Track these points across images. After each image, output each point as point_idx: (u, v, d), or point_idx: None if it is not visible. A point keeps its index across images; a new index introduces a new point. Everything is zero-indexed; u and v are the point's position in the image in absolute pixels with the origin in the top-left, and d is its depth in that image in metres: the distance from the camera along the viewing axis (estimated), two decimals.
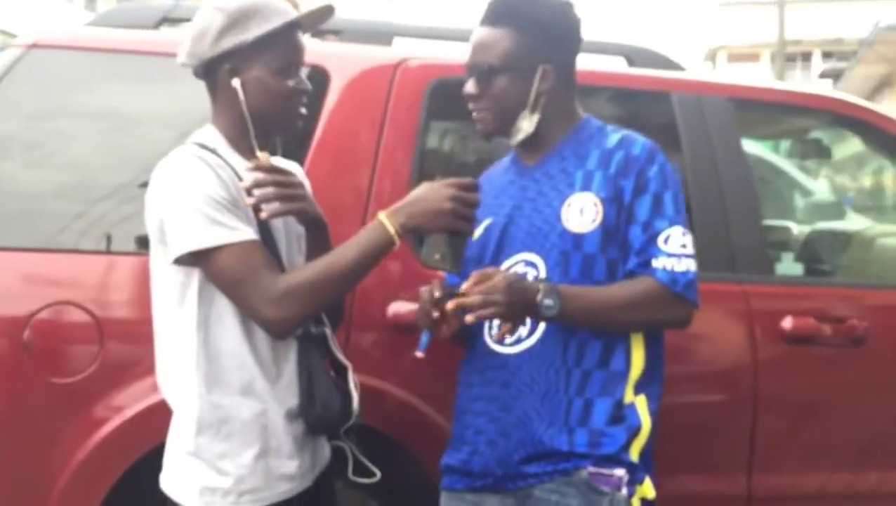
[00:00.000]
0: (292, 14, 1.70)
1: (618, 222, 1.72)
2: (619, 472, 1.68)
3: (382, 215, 1.63)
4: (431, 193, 1.64)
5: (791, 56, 26.62)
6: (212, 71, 1.70)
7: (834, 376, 2.51)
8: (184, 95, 2.05)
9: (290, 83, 1.71)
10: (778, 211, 4.13)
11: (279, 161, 1.79)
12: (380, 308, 2.20)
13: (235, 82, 1.67)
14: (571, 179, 1.76)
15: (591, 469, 1.68)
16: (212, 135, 1.72)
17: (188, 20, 1.94)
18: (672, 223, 1.72)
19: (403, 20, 2.65)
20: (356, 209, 2.24)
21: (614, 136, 1.79)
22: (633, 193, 1.72)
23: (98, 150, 2.22)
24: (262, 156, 1.66)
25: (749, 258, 2.47)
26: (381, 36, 2.53)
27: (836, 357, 2.50)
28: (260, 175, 1.63)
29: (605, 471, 1.68)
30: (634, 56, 2.68)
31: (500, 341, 1.76)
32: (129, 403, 2.06)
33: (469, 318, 1.62)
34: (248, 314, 1.61)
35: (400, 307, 2.18)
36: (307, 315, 1.63)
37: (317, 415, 1.69)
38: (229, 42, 1.66)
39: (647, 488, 1.71)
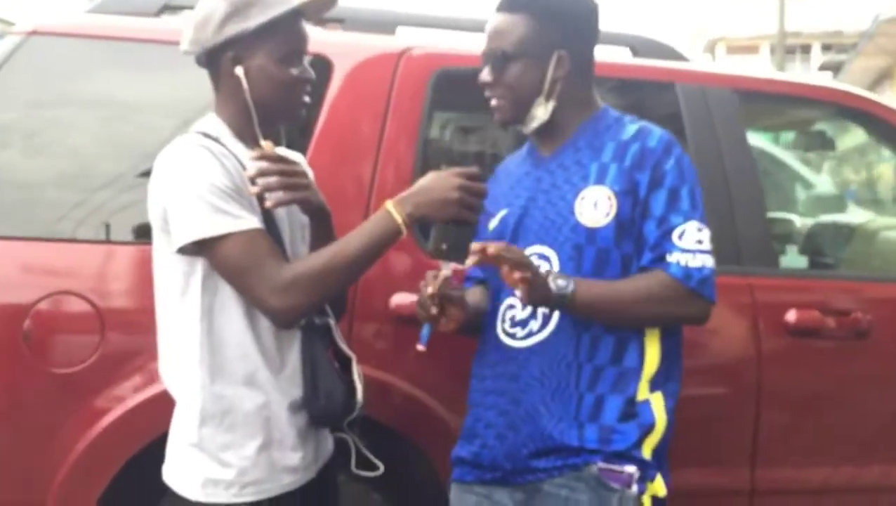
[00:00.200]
0: (295, 1, 1.68)
1: (633, 216, 1.69)
2: (630, 469, 1.66)
3: (389, 204, 1.62)
4: (438, 182, 1.63)
5: (790, 48, 26.59)
6: (215, 59, 1.68)
7: (838, 369, 2.51)
8: (185, 84, 2.04)
9: (294, 71, 1.69)
10: (781, 203, 4.12)
11: (283, 151, 1.77)
12: (382, 299, 2.18)
13: (238, 70, 1.66)
14: (586, 171, 1.73)
15: (602, 465, 1.66)
16: (215, 124, 1.70)
17: (189, 8, 1.92)
18: (687, 218, 1.68)
19: (407, 9, 2.62)
20: (359, 200, 2.22)
21: (631, 127, 1.76)
22: (649, 186, 1.69)
23: (98, 138, 2.20)
24: (266, 145, 1.65)
25: (754, 251, 2.46)
26: (385, 25, 2.51)
27: (839, 350, 2.49)
28: (264, 164, 1.61)
29: (616, 467, 1.66)
30: (639, 46, 2.67)
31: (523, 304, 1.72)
32: (130, 393, 2.05)
33: (504, 270, 1.58)
34: (254, 303, 1.60)
35: (403, 298, 2.16)
36: (313, 304, 1.62)
37: (320, 407, 1.68)
38: (232, 30, 1.64)
39: (659, 486, 1.69)
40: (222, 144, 1.64)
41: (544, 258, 1.73)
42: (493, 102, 1.80)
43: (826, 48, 29.59)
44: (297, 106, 1.73)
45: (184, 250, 1.58)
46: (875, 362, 2.52)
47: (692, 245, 1.67)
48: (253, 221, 1.58)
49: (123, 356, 2.05)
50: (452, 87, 2.39)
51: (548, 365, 1.71)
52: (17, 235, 2.08)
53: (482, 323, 1.87)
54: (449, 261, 1.71)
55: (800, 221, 3.91)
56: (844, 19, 27.49)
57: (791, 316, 2.42)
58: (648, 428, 1.69)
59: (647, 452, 1.69)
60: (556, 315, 1.71)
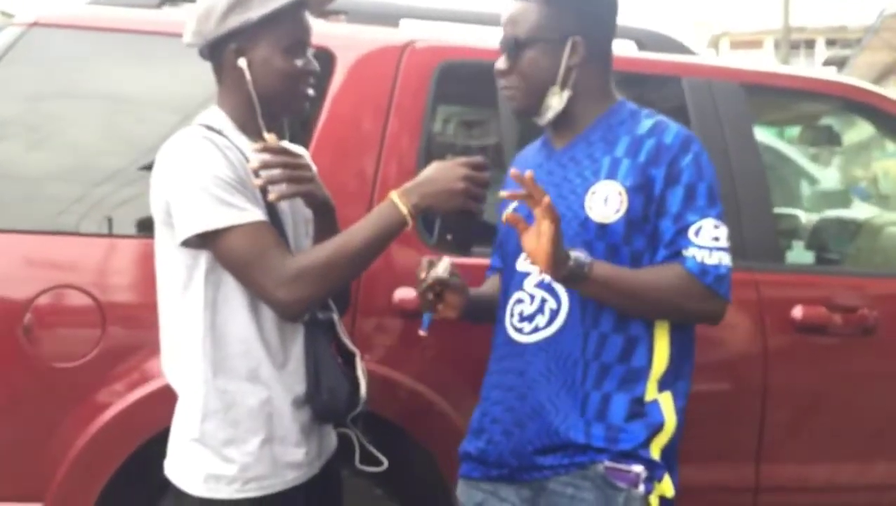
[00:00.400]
0: None
1: (645, 213, 1.65)
2: (637, 468, 1.63)
3: (394, 195, 1.60)
4: (443, 172, 1.61)
5: (795, 43, 26.51)
6: (218, 51, 1.66)
7: (844, 366, 2.49)
8: (186, 76, 2.02)
9: (298, 63, 1.67)
10: (787, 199, 4.10)
11: (286, 144, 1.76)
12: (386, 293, 2.17)
13: (242, 62, 1.64)
14: (598, 165, 1.69)
15: (608, 464, 1.64)
16: (218, 116, 1.68)
17: (190, 0, 1.90)
18: (704, 215, 1.64)
19: (410, 1, 2.60)
20: (361, 194, 2.21)
21: (647, 122, 1.72)
22: (665, 183, 1.65)
23: (99, 131, 2.18)
24: (270, 137, 1.63)
25: (759, 246, 2.44)
26: (388, 17, 2.49)
27: (846, 347, 2.48)
28: (267, 156, 1.60)
29: (622, 466, 1.63)
30: (645, 39, 2.64)
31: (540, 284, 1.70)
32: (131, 388, 2.04)
33: (546, 200, 1.51)
34: (259, 296, 1.58)
35: (406, 293, 2.15)
36: (320, 297, 1.60)
37: (323, 402, 1.66)
38: (235, 21, 1.62)
39: (667, 486, 1.66)
40: (225, 137, 1.62)
41: None
42: (508, 92, 1.77)
43: (830, 43, 29.53)
44: (301, 98, 1.71)
45: (187, 243, 1.57)
46: (881, 359, 2.50)
47: (709, 242, 1.63)
48: (258, 214, 1.57)
49: (124, 351, 2.04)
50: (456, 80, 2.38)
51: (554, 361, 1.69)
52: (16, 229, 2.06)
53: (496, 316, 1.87)
54: (454, 252, 1.69)
55: (806, 217, 3.89)
56: (849, 14, 27.43)
57: (797, 312, 2.41)
58: (657, 428, 1.66)
59: (655, 451, 1.67)
60: (563, 312, 1.69)
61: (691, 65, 2.59)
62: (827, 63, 24.73)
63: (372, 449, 1.77)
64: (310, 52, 1.71)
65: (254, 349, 1.62)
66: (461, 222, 1.67)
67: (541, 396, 1.70)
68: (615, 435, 1.65)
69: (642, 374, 1.67)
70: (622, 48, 2.60)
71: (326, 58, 2.25)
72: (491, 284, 1.92)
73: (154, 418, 1.90)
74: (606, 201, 1.66)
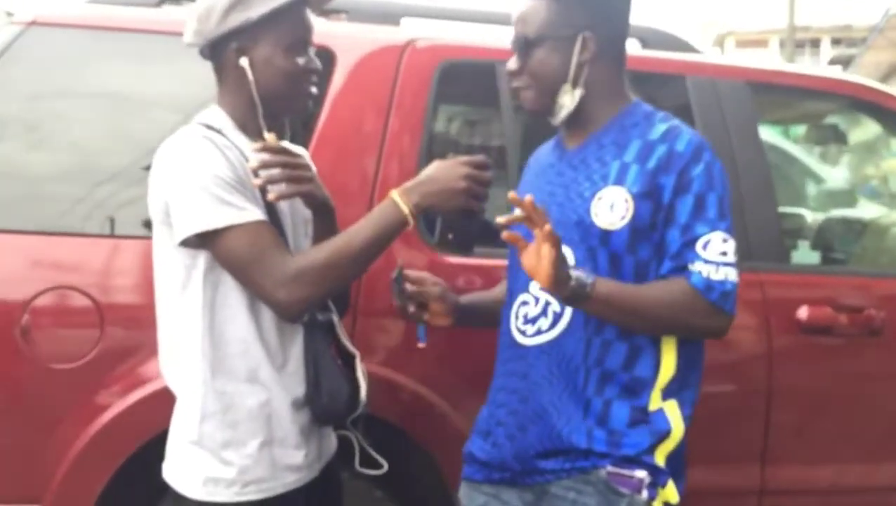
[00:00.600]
0: None
1: (653, 221, 1.61)
2: (641, 474, 1.60)
3: (395, 194, 1.58)
4: (445, 171, 1.60)
5: (800, 42, 26.46)
6: (218, 51, 1.65)
7: (850, 367, 2.47)
8: (186, 75, 2.01)
9: (300, 61, 1.66)
10: (792, 198, 4.08)
11: (286, 144, 1.74)
12: (386, 295, 2.14)
13: (243, 61, 1.62)
14: (606, 169, 1.66)
15: (611, 469, 1.61)
16: (218, 115, 1.67)
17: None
18: (713, 228, 1.60)
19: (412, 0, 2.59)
20: (362, 195, 2.19)
21: (660, 126, 1.67)
22: (674, 192, 1.60)
23: (98, 130, 2.17)
24: (270, 137, 1.62)
25: (765, 246, 2.42)
26: (389, 16, 2.47)
27: (852, 347, 2.46)
28: (266, 156, 1.58)
29: (625, 472, 1.61)
30: (648, 38, 2.62)
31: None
32: (130, 389, 2.02)
33: (547, 227, 1.49)
34: (259, 296, 1.57)
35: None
36: (320, 297, 1.59)
37: (323, 405, 1.65)
38: (235, 20, 1.61)
39: (671, 493, 1.63)
40: (225, 136, 1.61)
41: None
42: (520, 93, 1.74)
43: (836, 42, 29.46)
44: (304, 97, 1.70)
45: (186, 243, 1.55)
46: (888, 360, 2.49)
47: (716, 256, 1.59)
48: (257, 214, 1.55)
49: (123, 352, 2.03)
50: (459, 79, 2.36)
51: (555, 365, 1.67)
52: (14, 229, 2.05)
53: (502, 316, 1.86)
54: (455, 252, 1.68)
55: (811, 216, 3.87)
56: (854, 13, 27.37)
57: (802, 313, 2.39)
58: (663, 435, 1.63)
59: (659, 458, 1.64)
60: (566, 316, 1.66)
61: (695, 63, 2.57)
62: (832, 62, 24.66)
63: (372, 452, 1.76)
64: (312, 51, 1.69)
65: (253, 350, 1.61)
66: (463, 222, 1.66)
67: (543, 399, 1.68)
68: (618, 440, 1.62)
69: (646, 384, 1.64)
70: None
71: (327, 57, 2.22)
72: (502, 287, 1.89)
73: (153, 419, 1.88)
74: (612, 208, 1.62)
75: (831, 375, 2.46)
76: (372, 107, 2.26)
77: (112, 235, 2.10)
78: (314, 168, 1.75)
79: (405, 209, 1.57)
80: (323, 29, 2.28)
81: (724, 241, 1.60)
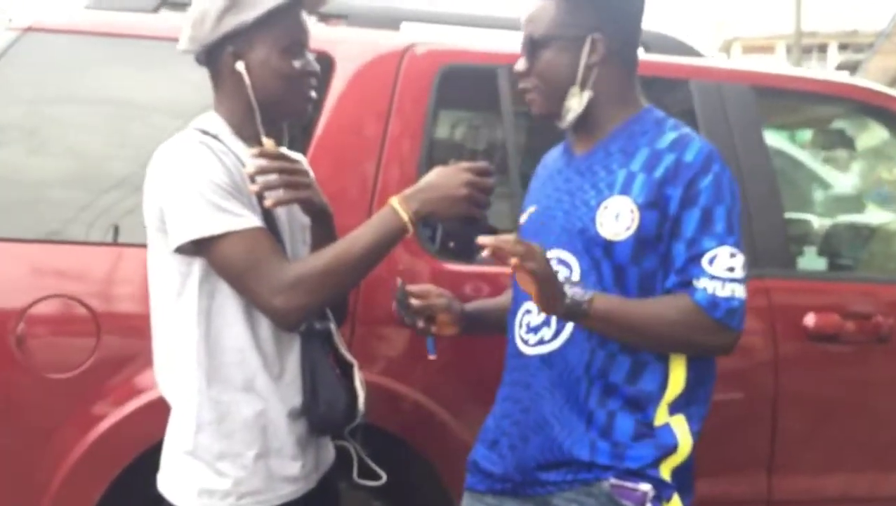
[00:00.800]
0: None
1: (658, 232, 1.57)
2: (644, 487, 1.56)
3: (395, 201, 1.56)
4: (446, 178, 1.57)
5: (807, 48, 26.42)
6: (214, 56, 1.63)
7: (858, 375, 2.44)
8: (183, 81, 1.99)
9: (297, 64, 1.63)
10: (799, 204, 4.04)
11: (284, 150, 1.72)
12: (385, 302, 2.12)
13: (240, 66, 1.60)
14: (613, 178, 1.62)
15: (614, 481, 1.57)
16: (214, 121, 1.65)
17: (187, 4, 1.87)
18: (721, 242, 1.54)
19: (412, 4, 2.57)
20: (361, 201, 2.17)
21: (670, 134, 1.62)
22: (681, 204, 1.56)
23: (96, 137, 2.15)
24: (267, 142, 1.59)
25: (770, 252, 2.39)
26: (389, 21, 2.46)
27: (860, 355, 2.42)
28: (264, 162, 1.56)
29: (629, 485, 1.57)
30: (651, 42, 2.59)
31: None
32: (127, 399, 2.00)
33: (513, 261, 1.47)
34: (255, 304, 1.54)
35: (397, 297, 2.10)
36: (317, 305, 1.56)
37: (320, 414, 1.62)
38: (230, 23, 1.59)
39: None
40: (221, 142, 1.59)
41: (564, 264, 1.65)
42: (528, 95, 1.70)
43: (843, 48, 29.41)
44: (303, 101, 1.67)
45: (181, 250, 1.53)
46: None
47: (722, 272, 1.54)
48: (254, 220, 1.53)
49: (120, 361, 2.00)
50: (459, 84, 2.34)
51: (557, 376, 1.63)
52: (9, 237, 2.03)
53: (483, 321, 1.85)
54: (456, 260, 1.65)
55: (818, 222, 3.83)
56: (861, 18, 27.33)
57: (809, 320, 2.36)
58: (669, 450, 1.59)
59: (665, 472, 1.59)
60: (569, 326, 1.63)
61: (699, 67, 2.54)
62: (839, 67, 24.60)
63: (370, 462, 1.73)
64: (309, 54, 1.67)
65: (249, 359, 1.58)
66: (464, 229, 1.63)
67: (545, 410, 1.64)
68: (621, 452, 1.59)
69: (652, 398, 1.60)
70: None
71: (326, 62, 2.21)
72: (509, 294, 1.86)
73: (150, 429, 1.85)
74: (617, 218, 1.58)
75: (839, 382, 2.43)
76: (371, 112, 2.24)
77: (108, 243, 2.08)
78: (312, 174, 1.73)
79: (405, 216, 1.55)
80: (322, 34, 2.28)
81: (732, 256, 1.55)
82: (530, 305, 1.69)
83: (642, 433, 1.59)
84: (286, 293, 1.50)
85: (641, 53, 2.54)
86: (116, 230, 2.09)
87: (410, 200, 1.56)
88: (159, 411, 1.67)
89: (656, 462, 1.59)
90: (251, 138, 1.63)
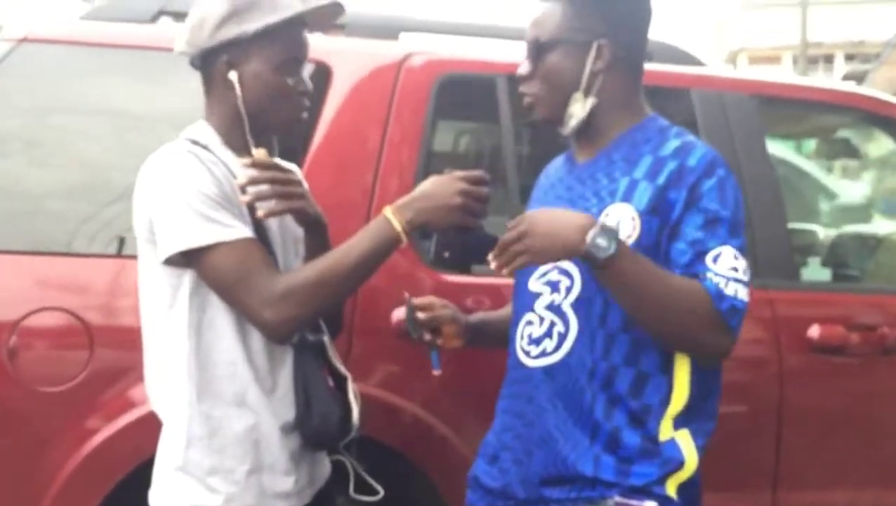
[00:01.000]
0: (298, 8, 1.62)
1: (658, 239, 1.53)
2: (650, 505, 1.52)
3: (388, 211, 1.54)
4: (440, 187, 1.55)
5: (813, 58, 26.41)
6: (209, 62, 1.62)
7: (863, 387, 2.41)
8: (179, 91, 1.97)
9: (290, 81, 1.62)
10: (804, 214, 4.01)
11: (276, 161, 1.70)
12: (384, 314, 2.10)
13: (232, 75, 1.59)
14: (615, 186, 1.58)
15: (618, 499, 1.53)
16: (204, 131, 1.63)
17: (185, 14, 1.86)
18: (724, 243, 1.51)
19: (411, 13, 2.56)
20: (359, 211, 2.15)
21: (673, 142, 1.59)
22: (684, 206, 1.52)
23: (90, 147, 2.14)
24: (259, 152, 1.58)
25: (774, 263, 2.36)
26: (388, 30, 2.44)
27: (865, 367, 2.39)
28: (255, 172, 1.54)
29: (634, 502, 1.52)
30: (652, 51, 2.57)
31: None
32: (121, 412, 1.97)
33: (504, 272, 1.47)
34: (246, 317, 1.52)
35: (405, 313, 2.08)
36: (308, 317, 1.54)
37: (314, 428, 1.60)
38: (229, 32, 1.58)
39: None
40: (211, 152, 1.57)
41: (565, 273, 1.61)
42: (529, 99, 1.67)
43: (849, 58, 29.37)
44: (292, 118, 1.65)
45: (171, 262, 1.51)
46: None
47: (726, 271, 1.49)
48: (244, 231, 1.51)
49: (114, 374, 1.98)
50: (457, 93, 2.32)
51: (561, 389, 1.60)
52: (1, 249, 2.01)
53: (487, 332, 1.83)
54: (452, 270, 1.63)
55: (823, 232, 3.80)
56: (867, 29, 27.29)
57: (814, 331, 2.33)
58: (675, 466, 1.54)
59: (671, 489, 1.55)
60: (571, 337, 1.59)
61: (701, 76, 2.52)
62: (846, 78, 24.55)
63: (367, 477, 1.70)
64: (304, 72, 1.65)
65: (241, 372, 1.56)
66: (459, 239, 1.61)
67: (548, 423, 1.61)
68: (626, 469, 1.54)
69: (655, 412, 1.55)
70: None
71: (324, 71, 2.20)
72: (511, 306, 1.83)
73: (144, 443, 1.82)
74: (618, 226, 1.54)
75: (844, 395, 2.39)
76: (369, 122, 2.22)
77: (101, 255, 2.06)
78: (306, 184, 1.71)
79: (398, 226, 1.53)
80: (320, 44, 2.26)
81: (736, 257, 1.51)
82: (531, 316, 1.66)
83: (648, 449, 1.55)
84: (277, 305, 1.48)
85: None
86: (111, 242, 2.06)
87: (404, 209, 1.54)
88: (153, 424, 1.64)
89: (662, 479, 1.54)
90: (241, 148, 1.61)
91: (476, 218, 1.56)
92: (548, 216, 1.50)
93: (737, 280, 1.50)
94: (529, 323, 1.67)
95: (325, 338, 1.69)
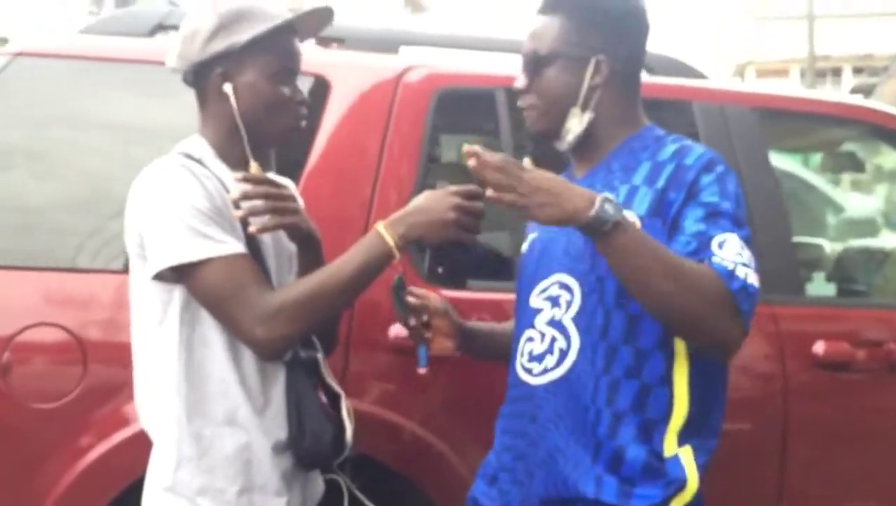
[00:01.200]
0: (287, 15, 1.61)
1: (660, 239, 1.49)
2: None
3: (381, 226, 1.52)
4: (434, 201, 1.53)
5: (821, 72, 26.36)
6: (202, 76, 1.60)
7: (869, 404, 2.37)
8: (177, 105, 1.95)
9: (285, 91, 1.61)
10: (810, 228, 3.98)
11: (271, 176, 1.68)
12: (381, 330, 2.07)
13: (227, 87, 1.57)
14: (614, 194, 1.55)
15: None
16: (198, 145, 1.62)
17: None
18: (729, 231, 1.46)
19: (411, 27, 2.55)
20: (358, 225, 2.12)
21: (671, 147, 1.58)
22: (684, 202, 1.49)
23: (85, 162, 2.12)
24: (253, 166, 1.56)
25: (778, 278, 2.32)
26: (387, 44, 2.43)
27: (871, 384, 2.35)
28: (248, 187, 1.52)
29: None
30: (653, 64, 2.55)
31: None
32: (115, 429, 1.94)
33: (489, 192, 1.41)
34: (236, 334, 1.50)
35: (403, 329, 2.05)
36: (299, 334, 1.52)
37: (306, 447, 1.57)
38: (220, 44, 1.56)
39: None
40: (205, 166, 1.55)
41: (565, 288, 1.59)
42: (527, 113, 1.66)
43: (857, 71, 29.28)
44: (288, 128, 1.64)
45: (161, 277, 1.49)
46: None
47: (733, 256, 1.44)
48: (236, 246, 1.49)
49: (108, 391, 1.95)
50: (456, 107, 2.30)
51: (563, 406, 1.56)
52: None
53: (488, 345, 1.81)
54: (447, 286, 1.60)
55: (830, 247, 3.76)
56: (875, 42, 27.24)
57: (819, 348, 2.29)
58: (678, 486, 1.50)
59: None
60: (572, 352, 1.57)
61: (703, 89, 2.49)
62: (854, 91, 24.46)
63: (361, 496, 1.68)
64: (306, 84, 1.64)
65: (232, 390, 1.53)
66: (453, 254, 1.58)
67: (550, 443, 1.58)
68: (628, 490, 1.50)
69: (659, 425, 1.52)
70: None
71: (322, 85, 2.18)
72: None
73: (138, 460, 1.79)
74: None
75: (850, 412, 2.35)
76: (368, 135, 2.20)
77: (94, 270, 2.03)
78: (300, 200, 1.69)
79: (390, 241, 1.51)
80: (318, 57, 2.25)
81: (742, 246, 1.46)
82: (532, 332, 1.64)
83: (652, 467, 1.51)
84: (268, 322, 1.46)
85: (644, 76, 2.52)
86: (103, 257, 2.04)
87: (397, 224, 1.52)
88: (147, 442, 1.62)
89: (665, 501, 1.51)
90: (236, 162, 1.60)
91: (470, 233, 1.54)
92: (552, 180, 1.43)
93: (745, 264, 1.45)
94: (530, 340, 1.64)
95: (319, 355, 1.66)
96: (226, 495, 1.51)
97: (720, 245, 1.45)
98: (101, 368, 1.95)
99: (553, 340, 1.60)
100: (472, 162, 1.41)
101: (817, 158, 4.52)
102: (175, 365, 1.51)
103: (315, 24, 1.69)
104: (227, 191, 1.54)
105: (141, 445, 1.67)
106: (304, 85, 1.71)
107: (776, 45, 29.85)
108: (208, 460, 1.52)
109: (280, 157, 1.77)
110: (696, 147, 1.58)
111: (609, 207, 1.40)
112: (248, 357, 1.54)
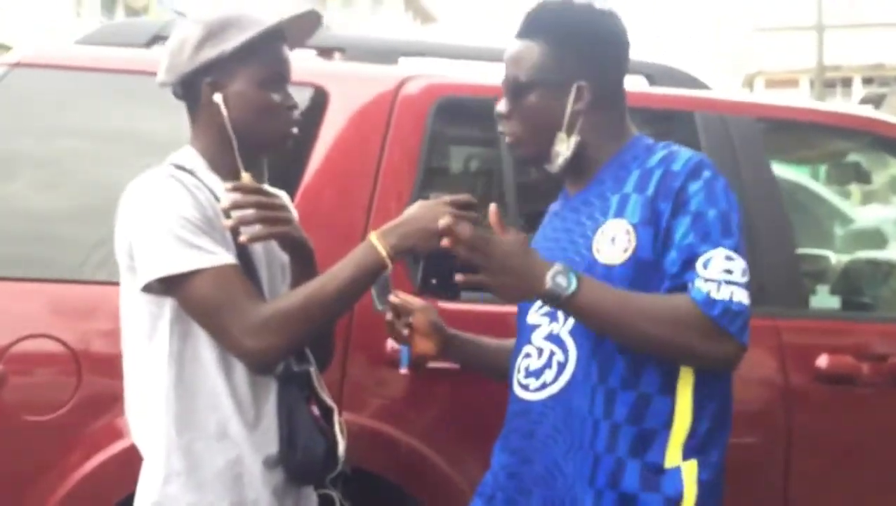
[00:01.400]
0: (274, 20, 1.59)
1: (654, 249, 1.49)
2: None
3: (373, 236, 1.51)
4: (426, 211, 1.51)
5: (831, 82, 26.32)
6: (191, 87, 1.59)
7: (874, 419, 2.32)
8: (173, 116, 1.94)
9: (276, 97, 1.59)
10: (814, 239, 3.94)
11: (265, 187, 1.67)
12: (378, 342, 2.05)
13: (217, 97, 1.56)
14: (607, 204, 1.55)
15: None
16: (190, 156, 1.61)
17: None
18: (716, 245, 1.45)
19: (411, 37, 2.54)
20: (357, 235, 2.10)
21: (659, 153, 1.57)
22: (672, 213, 1.48)
23: (79, 172, 2.12)
24: (245, 176, 1.55)
25: (781, 290, 2.30)
26: (387, 54, 2.42)
27: (876, 398, 2.31)
28: (239, 196, 1.50)
29: None
30: (655, 74, 2.54)
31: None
32: (110, 442, 1.93)
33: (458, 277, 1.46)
34: (226, 346, 1.48)
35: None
36: (291, 346, 1.50)
37: (298, 462, 1.55)
38: (208, 53, 1.55)
39: None
40: (196, 177, 1.54)
41: None
42: (509, 139, 1.64)
43: (867, 81, 29.24)
44: (281, 136, 1.62)
45: (150, 289, 1.48)
46: None
47: (718, 274, 1.43)
48: (226, 257, 1.47)
49: (102, 402, 1.93)
50: (454, 117, 2.29)
51: (562, 420, 1.54)
52: None
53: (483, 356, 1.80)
54: (440, 297, 1.59)
55: (835, 258, 3.72)
56: (885, 52, 27.20)
57: (822, 361, 2.25)
58: (676, 499, 1.48)
59: None
60: (570, 365, 1.55)
61: (705, 99, 2.47)
62: (864, 101, 24.40)
63: None
64: (305, 93, 1.63)
65: (222, 404, 1.52)
66: (446, 265, 1.57)
67: (548, 458, 1.55)
68: None
69: (658, 436, 1.50)
70: (631, 84, 2.49)
71: (321, 96, 2.17)
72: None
73: (133, 473, 1.78)
74: (614, 241, 1.51)
75: (854, 427, 2.31)
76: (367, 145, 2.18)
77: (88, 281, 2.02)
78: (293, 210, 1.68)
79: (382, 252, 1.49)
80: (317, 67, 2.24)
81: (729, 258, 1.45)
82: (529, 348, 1.62)
83: (651, 482, 1.49)
84: (259, 334, 1.44)
85: (646, 86, 2.51)
86: (97, 268, 2.03)
87: (389, 234, 1.51)
88: (141, 455, 1.60)
89: None
90: (227, 173, 1.58)
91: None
92: (515, 257, 1.46)
93: (730, 282, 1.44)
94: (527, 355, 1.63)
95: (312, 368, 1.64)
96: None
97: (705, 264, 1.45)
98: (96, 379, 1.94)
99: (551, 354, 1.58)
100: (445, 241, 1.44)
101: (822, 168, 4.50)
102: (165, 378, 1.50)
103: (304, 29, 1.68)
104: (219, 201, 1.52)
105: (135, 458, 1.66)
106: (303, 95, 1.70)
107: (785, 56, 29.84)
108: (198, 475, 1.50)
109: (279, 167, 1.76)
110: (684, 151, 1.56)
111: (560, 279, 1.43)
112: (240, 370, 1.52)
